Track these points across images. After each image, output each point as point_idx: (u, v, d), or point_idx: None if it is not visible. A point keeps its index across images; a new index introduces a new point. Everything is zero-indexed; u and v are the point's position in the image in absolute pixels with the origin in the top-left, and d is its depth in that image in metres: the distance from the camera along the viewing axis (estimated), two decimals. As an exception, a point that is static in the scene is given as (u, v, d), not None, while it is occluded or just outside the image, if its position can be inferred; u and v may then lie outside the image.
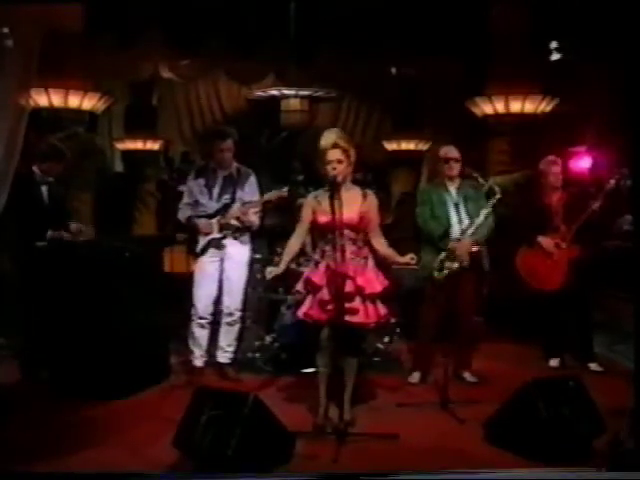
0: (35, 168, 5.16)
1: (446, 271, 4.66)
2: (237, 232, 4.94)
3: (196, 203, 4.98)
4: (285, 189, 4.90)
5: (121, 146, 10.91)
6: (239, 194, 4.93)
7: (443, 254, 4.72)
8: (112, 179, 10.57)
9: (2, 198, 3.59)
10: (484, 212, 4.70)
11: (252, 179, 5.01)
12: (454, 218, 4.82)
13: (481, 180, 4.79)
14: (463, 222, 4.77)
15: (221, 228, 4.89)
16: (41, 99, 7.48)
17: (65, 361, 4.64)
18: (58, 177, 5.30)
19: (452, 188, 4.90)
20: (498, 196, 4.65)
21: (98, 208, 8.43)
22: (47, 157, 5.19)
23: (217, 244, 4.90)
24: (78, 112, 7.92)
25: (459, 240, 4.70)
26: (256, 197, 4.96)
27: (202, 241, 4.94)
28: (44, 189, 5.21)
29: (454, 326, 4.88)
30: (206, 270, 4.94)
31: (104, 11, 7.52)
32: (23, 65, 3.60)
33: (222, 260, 4.94)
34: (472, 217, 4.75)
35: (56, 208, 5.28)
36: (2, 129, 3.52)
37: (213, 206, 4.93)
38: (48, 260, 4.89)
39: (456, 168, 4.86)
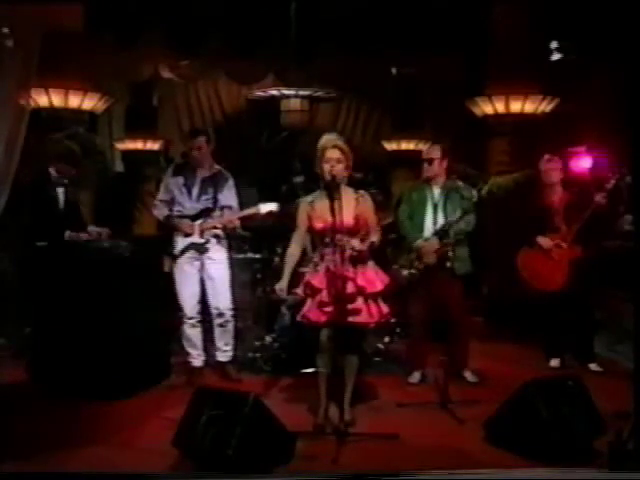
0: (52, 170, 5.19)
1: (413, 270, 4.69)
2: (217, 236, 4.95)
3: (172, 201, 4.95)
4: (274, 204, 4.89)
5: (121, 146, 10.90)
6: (219, 197, 4.92)
7: (412, 253, 4.77)
8: (112, 179, 10.56)
9: (2, 199, 3.59)
10: (457, 214, 4.71)
11: (230, 183, 5.00)
12: (429, 218, 4.86)
13: (460, 183, 4.80)
14: (438, 223, 4.81)
15: (202, 232, 4.87)
16: (41, 99, 7.48)
17: (65, 361, 4.64)
18: (72, 179, 5.32)
19: (435, 188, 4.91)
20: (474, 200, 4.66)
21: (98, 208, 8.43)
22: (62, 159, 5.22)
23: (198, 248, 4.89)
24: (78, 112, 7.92)
25: (427, 240, 4.75)
26: (233, 202, 4.97)
27: (181, 243, 4.91)
28: (60, 191, 5.25)
29: (445, 325, 4.90)
30: (185, 271, 4.92)
31: (104, 11, 7.51)
32: (23, 65, 3.60)
33: (201, 260, 4.92)
34: (448, 218, 4.77)
35: (71, 210, 5.31)
36: (2, 129, 3.52)
37: (193, 206, 4.91)
38: (48, 260, 4.89)
39: (431, 170, 4.87)
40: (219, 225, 4.91)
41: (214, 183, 4.93)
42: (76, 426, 4.05)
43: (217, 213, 4.92)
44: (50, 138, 5.56)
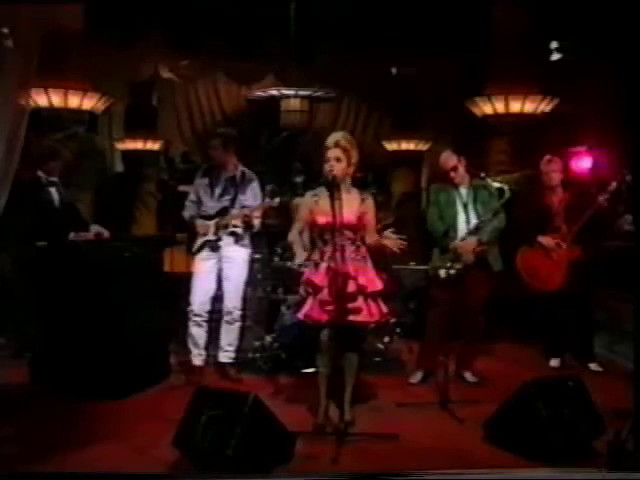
0: (40, 172, 5.22)
1: (452, 271, 4.68)
2: (235, 234, 4.96)
3: (200, 201, 5.03)
4: (277, 199, 4.92)
5: (121, 146, 10.90)
6: (240, 197, 4.96)
7: (448, 254, 4.75)
8: (112, 179, 10.56)
9: (2, 199, 3.58)
10: (490, 212, 4.71)
11: (254, 184, 5.04)
12: (462, 218, 4.82)
13: (489, 180, 4.80)
14: (471, 222, 4.78)
15: (217, 230, 4.90)
16: (41, 99, 7.48)
17: (65, 361, 4.64)
18: (61, 177, 5.35)
19: (462, 188, 4.88)
20: (507, 196, 4.66)
21: (98, 208, 8.44)
22: (44, 158, 5.26)
23: (212, 246, 4.93)
24: (78, 112, 7.92)
25: (463, 240, 4.73)
26: (257, 202, 4.99)
27: (198, 241, 4.99)
28: (52, 190, 5.27)
29: (459, 325, 4.89)
30: (202, 268, 4.96)
31: (104, 11, 7.52)
32: (23, 65, 3.59)
33: (219, 260, 4.96)
34: (480, 217, 4.76)
35: (68, 210, 5.33)
36: (2, 129, 3.51)
37: (213, 205, 4.96)
38: (48, 260, 4.89)
39: (458, 175, 4.85)
40: (235, 222, 4.93)
41: (237, 184, 4.98)
42: (76, 426, 4.05)
43: (235, 212, 4.94)
44: (34, 141, 5.58)
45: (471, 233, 4.73)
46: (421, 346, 5.18)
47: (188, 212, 5.08)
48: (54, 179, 5.31)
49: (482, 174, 4.84)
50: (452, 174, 4.84)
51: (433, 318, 4.95)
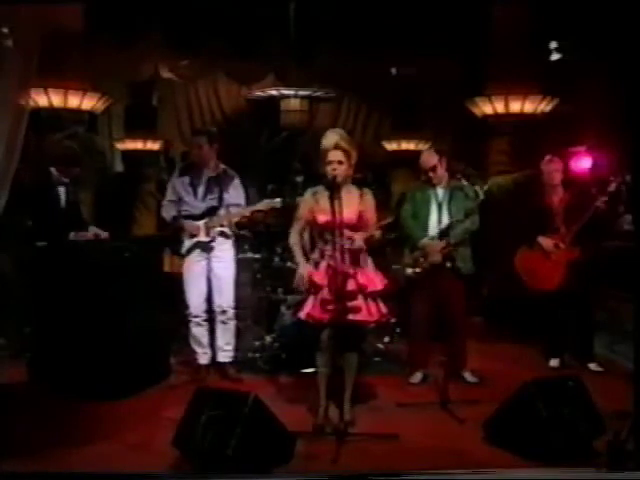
0: (53, 170, 5.22)
1: (418, 269, 4.70)
2: (225, 234, 4.97)
3: (180, 201, 4.98)
4: (278, 200, 4.93)
5: (121, 146, 10.89)
6: (225, 196, 4.94)
7: (417, 252, 4.76)
8: (112, 179, 10.56)
9: (2, 199, 3.59)
10: (462, 213, 4.71)
11: (236, 182, 5.03)
12: (434, 218, 4.85)
13: (464, 182, 4.80)
14: (442, 222, 4.80)
15: (208, 230, 4.90)
16: (41, 99, 7.48)
17: (65, 361, 4.64)
18: (74, 179, 5.36)
19: (440, 188, 4.91)
20: (481, 198, 4.65)
21: (98, 208, 8.44)
22: (64, 160, 5.25)
23: (204, 247, 4.92)
24: (78, 112, 7.92)
25: (432, 239, 4.74)
26: (240, 200, 5.00)
27: (188, 243, 4.95)
28: (61, 190, 5.28)
29: (444, 325, 4.90)
30: (193, 270, 4.96)
31: (104, 11, 7.52)
32: (23, 65, 3.60)
33: (209, 259, 4.95)
34: (453, 218, 4.77)
35: (72, 210, 5.34)
36: (2, 129, 3.52)
37: (199, 206, 4.93)
38: (49, 260, 4.90)
39: (436, 176, 4.87)
40: (225, 223, 4.93)
41: (220, 182, 4.96)
42: (76, 426, 4.05)
43: (223, 212, 4.93)
44: (50, 139, 5.59)
45: (441, 233, 4.75)
46: (409, 345, 5.23)
47: (169, 212, 5.02)
48: (66, 180, 5.30)
49: (458, 175, 4.84)
50: (431, 174, 4.86)
51: (415, 316, 4.99)
